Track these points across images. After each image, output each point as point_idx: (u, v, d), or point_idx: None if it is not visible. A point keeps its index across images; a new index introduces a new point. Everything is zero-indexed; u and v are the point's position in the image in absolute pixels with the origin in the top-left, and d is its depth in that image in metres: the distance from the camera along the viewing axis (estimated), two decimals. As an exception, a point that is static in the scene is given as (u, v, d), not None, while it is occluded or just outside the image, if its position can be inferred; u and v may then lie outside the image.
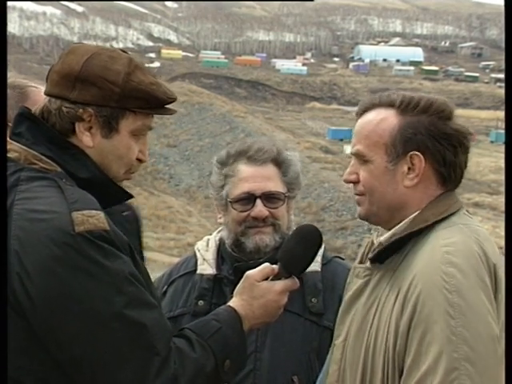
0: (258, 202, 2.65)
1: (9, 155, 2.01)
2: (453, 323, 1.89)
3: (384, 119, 2.14)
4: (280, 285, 2.16)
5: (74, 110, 2.00)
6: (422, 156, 2.09)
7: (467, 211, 2.16)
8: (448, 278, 1.92)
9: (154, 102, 2.04)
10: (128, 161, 2.07)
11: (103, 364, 1.84)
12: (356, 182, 2.18)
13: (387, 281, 2.08)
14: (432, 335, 1.90)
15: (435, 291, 1.92)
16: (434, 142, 2.09)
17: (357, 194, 2.20)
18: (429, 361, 1.89)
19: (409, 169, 2.11)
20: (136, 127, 2.05)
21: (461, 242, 2.00)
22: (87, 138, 2.01)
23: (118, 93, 1.99)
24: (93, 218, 1.87)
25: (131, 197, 2.12)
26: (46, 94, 2.06)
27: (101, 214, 1.89)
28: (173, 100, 2.08)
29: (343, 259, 2.85)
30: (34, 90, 2.78)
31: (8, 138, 2.05)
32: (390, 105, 2.15)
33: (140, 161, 2.10)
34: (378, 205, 2.15)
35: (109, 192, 2.04)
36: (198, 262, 2.76)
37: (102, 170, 2.03)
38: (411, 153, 2.10)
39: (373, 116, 2.16)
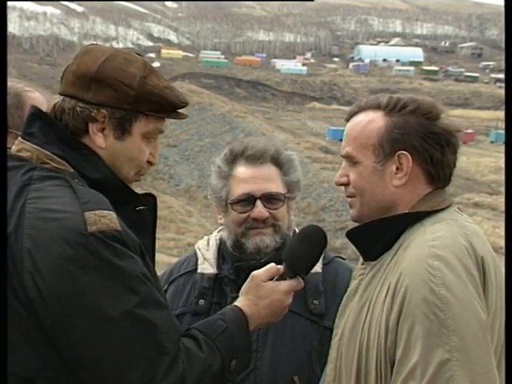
0: (258, 203, 2.66)
1: (21, 154, 2.02)
2: (441, 315, 1.90)
3: (371, 121, 2.16)
4: (285, 285, 2.18)
5: (88, 111, 2.01)
6: (409, 155, 2.12)
7: (459, 208, 2.18)
8: (434, 271, 1.94)
9: (166, 106, 2.07)
10: (139, 163, 2.09)
11: (113, 362, 1.86)
12: (347, 184, 2.21)
13: (379, 278, 2.11)
14: (420, 328, 1.91)
15: (422, 284, 1.94)
16: (421, 142, 2.12)
17: (348, 196, 2.23)
18: (418, 354, 1.91)
19: (397, 168, 2.13)
20: (148, 130, 2.08)
21: (447, 236, 2.02)
22: (100, 139, 2.03)
23: (133, 96, 2.01)
24: (105, 218, 1.89)
25: (140, 201, 2.11)
26: (61, 93, 2.07)
27: (113, 215, 1.91)
28: (185, 104, 2.11)
29: (344, 259, 2.86)
30: (29, 94, 2.71)
31: (20, 138, 2.07)
32: (377, 107, 2.18)
33: (150, 163, 2.13)
34: (369, 206, 2.17)
35: (119, 193, 2.04)
36: (199, 261, 2.76)
37: (113, 172, 2.05)
38: (399, 152, 2.12)
39: (361, 118, 2.19)
